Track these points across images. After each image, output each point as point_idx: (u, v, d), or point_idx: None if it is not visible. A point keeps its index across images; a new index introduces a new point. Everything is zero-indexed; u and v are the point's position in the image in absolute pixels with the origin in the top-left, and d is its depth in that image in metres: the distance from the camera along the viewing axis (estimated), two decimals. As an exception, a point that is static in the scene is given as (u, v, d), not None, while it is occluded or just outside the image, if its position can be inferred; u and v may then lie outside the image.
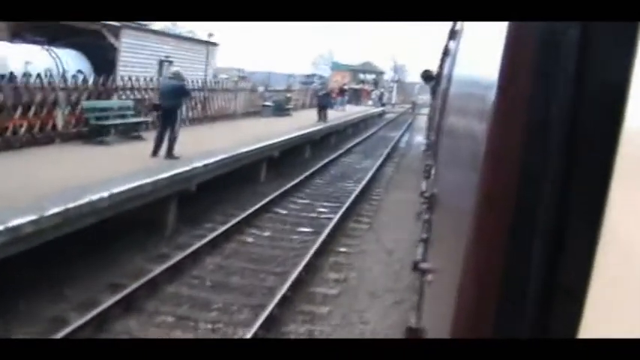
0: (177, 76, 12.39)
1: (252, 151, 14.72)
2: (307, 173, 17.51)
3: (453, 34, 5.03)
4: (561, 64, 0.86)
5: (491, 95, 1.04)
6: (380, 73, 70.99)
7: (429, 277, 2.41)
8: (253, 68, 61.30)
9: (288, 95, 29.68)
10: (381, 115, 48.09)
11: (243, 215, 11.43)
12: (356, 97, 48.66)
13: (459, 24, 4.28)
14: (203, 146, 13.57)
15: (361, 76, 67.83)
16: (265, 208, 12.71)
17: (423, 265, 2.79)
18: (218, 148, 13.60)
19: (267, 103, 25.35)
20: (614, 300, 0.65)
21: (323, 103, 25.36)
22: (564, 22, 0.86)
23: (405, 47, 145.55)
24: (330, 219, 11.99)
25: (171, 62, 18.90)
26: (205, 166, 11.57)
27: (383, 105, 51.99)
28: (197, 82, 20.02)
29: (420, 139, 29.25)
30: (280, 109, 26.38)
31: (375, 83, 67.63)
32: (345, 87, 40.82)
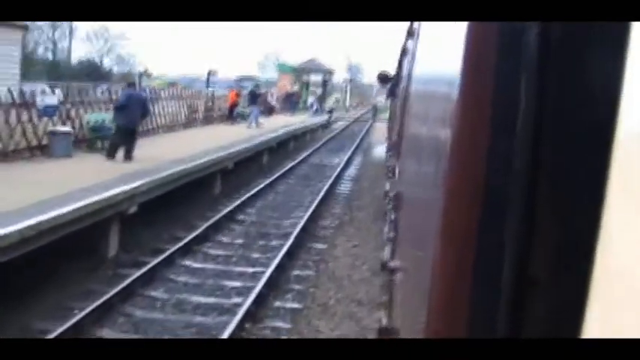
0: None
1: None
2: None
3: (411, 33, 5.04)
4: (523, 62, 0.85)
5: (455, 91, 1.04)
6: (329, 73, 58.58)
7: (399, 275, 2.38)
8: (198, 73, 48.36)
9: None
10: (326, 126, 35.64)
11: None
12: (291, 103, 36.03)
13: (416, 23, 4.28)
14: None
15: (310, 77, 55.56)
16: None
17: (392, 264, 2.72)
18: None
19: (61, 129, 12.38)
20: (589, 294, 0.66)
21: (124, 126, 11.78)
22: (523, 22, 0.84)
23: (360, 44, 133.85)
24: None
25: None
26: None
27: (330, 112, 39.45)
28: None
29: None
30: (101, 136, 13.50)
31: (324, 84, 55.31)
32: (260, 91, 27.47)
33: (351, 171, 19.66)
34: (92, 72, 55.52)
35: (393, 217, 3.75)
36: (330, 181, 16.16)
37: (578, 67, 0.79)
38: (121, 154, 12.06)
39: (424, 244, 1.30)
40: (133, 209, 9.55)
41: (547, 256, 0.82)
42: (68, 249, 8.38)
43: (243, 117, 24.37)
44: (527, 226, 0.83)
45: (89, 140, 13.44)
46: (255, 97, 23.72)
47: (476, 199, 0.93)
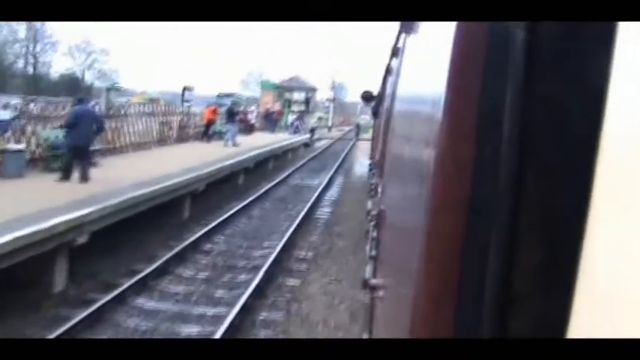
0: None
1: None
2: None
3: (395, 52, 5.05)
4: (510, 70, 0.84)
5: (440, 108, 1.03)
6: (312, 90, 57.89)
7: (380, 293, 2.39)
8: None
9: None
10: (308, 144, 34.75)
11: None
12: (270, 121, 35.07)
13: (401, 41, 4.32)
14: None
15: (293, 95, 54.69)
16: None
17: (373, 282, 2.77)
18: None
19: (12, 147, 11.26)
20: (573, 310, 0.66)
21: (75, 145, 10.75)
22: (510, 25, 0.84)
23: (343, 64, 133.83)
24: None
25: None
26: None
27: (311, 131, 38.57)
28: None
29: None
30: (59, 155, 12.34)
31: (307, 102, 54.59)
32: (237, 109, 26.37)
33: (332, 193, 18.72)
34: (73, 86, 54.38)
35: (374, 235, 3.72)
36: (308, 205, 15.19)
37: (566, 70, 0.78)
38: (77, 174, 11.00)
39: (407, 261, 1.28)
40: (82, 239, 8.50)
41: (531, 273, 0.81)
42: (5, 286, 7.34)
43: (221, 135, 23.37)
44: (511, 244, 0.82)
45: (46, 159, 12.33)
46: (233, 115, 22.71)
47: (460, 217, 0.92)
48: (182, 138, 21.79)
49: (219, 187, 16.00)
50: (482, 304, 0.85)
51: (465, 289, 0.91)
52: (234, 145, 21.62)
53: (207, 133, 22.93)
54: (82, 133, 10.60)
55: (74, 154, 10.79)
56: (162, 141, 19.79)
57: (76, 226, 8.22)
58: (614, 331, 0.55)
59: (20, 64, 57.02)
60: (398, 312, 1.43)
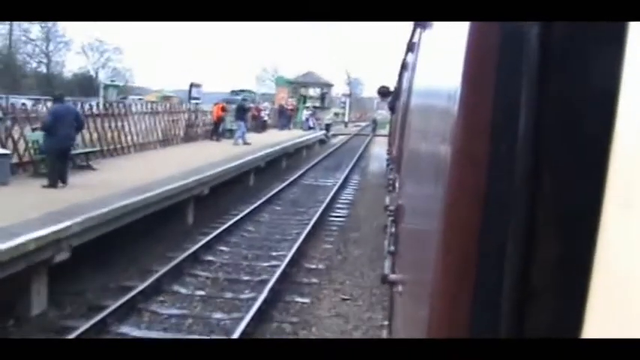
0: None
1: None
2: None
3: (411, 47, 5.07)
4: (524, 68, 0.84)
5: (455, 103, 1.02)
6: (327, 86, 56.72)
7: (399, 288, 2.41)
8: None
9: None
10: (323, 141, 33.68)
11: None
12: (284, 117, 33.96)
13: (416, 36, 4.31)
14: None
15: (308, 90, 53.61)
16: None
17: (392, 277, 2.81)
18: None
19: (-4, 151, 10.35)
20: (589, 305, 0.67)
21: (58, 147, 9.80)
22: (524, 23, 0.83)
23: (359, 59, 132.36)
24: None
25: None
26: None
27: (327, 128, 37.41)
28: None
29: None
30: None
31: (322, 98, 53.50)
32: (249, 105, 25.26)
33: (348, 193, 17.59)
34: (86, 85, 53.86)
35: (393, 230, 3.76)
36: (322, 208, 14.08)
37: (579, 69, 0.79)
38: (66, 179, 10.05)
39: (425, 256, 1.29)
40: (62, 256, 7.49)
41: (548, 268, 0.82)
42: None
43: (231, 133, 22.34)
44: (528, 239, 0.82)
45: (35, 163, 11.38)
46: (243, 112, 21.63)
47: (476, 212, 0.92)
48: (190, 137, 20.82)
49: (228, 188, 15.00)
50: (500, 298, 0.84)
51: (482, 283, 0.90)
52: (245, 143, 20.58)
53: (216, 132, 21.93)
54: (63, 133, 9.64)
55: (57, 157, 9.82)
56: (167, 140, 18.81)
57: (53, 241, 7.20)
58: (631, 326, 0.56)
59: (33, 64, 56.79)
60: (416, 305, 1.43)
